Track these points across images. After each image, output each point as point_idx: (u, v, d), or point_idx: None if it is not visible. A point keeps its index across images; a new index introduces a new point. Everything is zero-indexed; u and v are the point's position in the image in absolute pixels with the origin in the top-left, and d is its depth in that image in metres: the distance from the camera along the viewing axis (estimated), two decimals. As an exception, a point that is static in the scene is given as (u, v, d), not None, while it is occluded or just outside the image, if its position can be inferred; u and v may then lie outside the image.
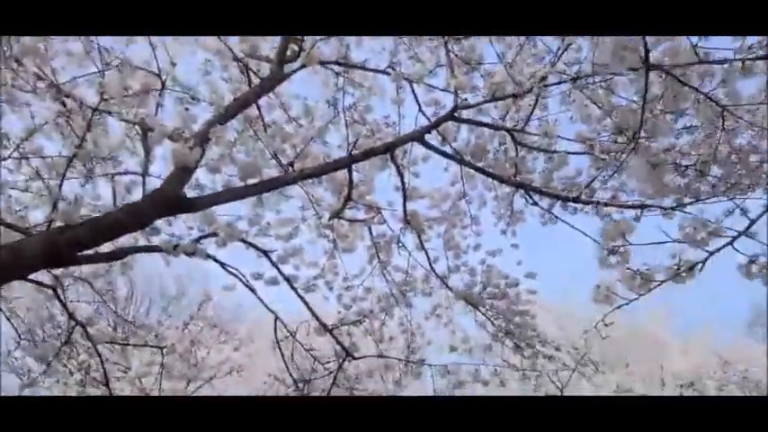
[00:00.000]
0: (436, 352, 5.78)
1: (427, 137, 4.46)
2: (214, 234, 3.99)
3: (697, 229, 2.72)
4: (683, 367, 13.08)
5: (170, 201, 3.40)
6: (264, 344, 6.43)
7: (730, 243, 2.63)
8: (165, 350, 5.09)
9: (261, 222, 4.35)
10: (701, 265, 2.62)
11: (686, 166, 3.73)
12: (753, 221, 2.70)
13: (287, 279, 4.28)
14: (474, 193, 5.46)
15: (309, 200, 5.21)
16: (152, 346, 5.18)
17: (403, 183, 4.42)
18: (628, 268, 2.71)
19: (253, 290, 4.37)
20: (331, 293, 5.59)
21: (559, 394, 14.45)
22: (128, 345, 5.27)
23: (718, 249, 2.63)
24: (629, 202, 4.09)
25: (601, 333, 2.79)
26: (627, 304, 2.72)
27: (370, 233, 5.34)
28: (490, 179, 5.28)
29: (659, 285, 2.65)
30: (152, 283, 11.24)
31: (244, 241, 4.18)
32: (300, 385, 4.61)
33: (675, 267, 2.62)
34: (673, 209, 3.94)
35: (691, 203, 3.91)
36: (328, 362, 4.65)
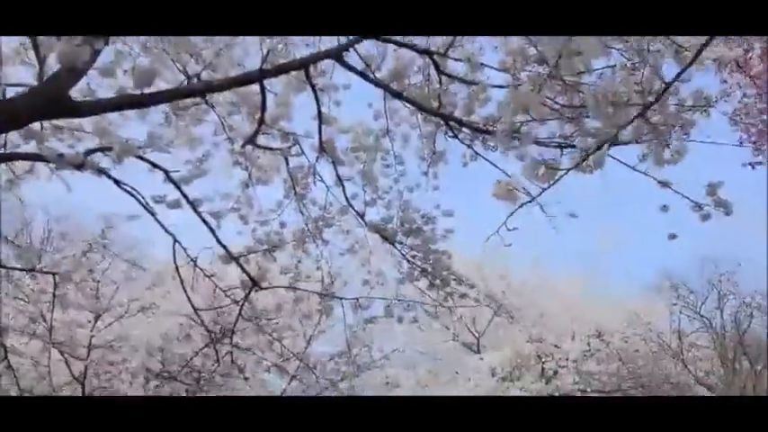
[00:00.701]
0: (352, 289, 5.67)
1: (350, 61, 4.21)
2: (108, 148, 3.66)
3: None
4: (591, 320, 13.70)
5: (50, 99, 3.04)
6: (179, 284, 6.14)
7: (640, 114, 2.57)
8: (57, 277, 4.72)
9: (164, 141, 4.02)
10: (606, 146, 2.55)
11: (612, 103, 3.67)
12: (662, 91, 2.65)
13: (190, 202, 4.00)
14: (397, 129, 5.29)
15: (222, 124, 4.88)
16: (43, 272, 4.80)
17: (319, 106, 4.17)
18: (532, 158, 2.60)
19: (152, 212, 4.08)
20: (245, 227, 5.34)
21: (476, 342, 14.89)
22: (15, 269, 4.86)
23: (628, 123, 2.57)
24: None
25: (504, 240, 2.69)
26: (530, 201, 2.62)
27: (287, 163, 5.08)
28: (414, 117, 5.13)
29: (565, 174, 2.57)
30: (53, 210, 10.58)
31: (141, 158, 3.85)
32: (203, 317, 4.39)
33: (582, 155, 2.54)
34: (593, 152, 3.92)
35: (609, 147, 3.92)
36: (230, 288, 4.43)
